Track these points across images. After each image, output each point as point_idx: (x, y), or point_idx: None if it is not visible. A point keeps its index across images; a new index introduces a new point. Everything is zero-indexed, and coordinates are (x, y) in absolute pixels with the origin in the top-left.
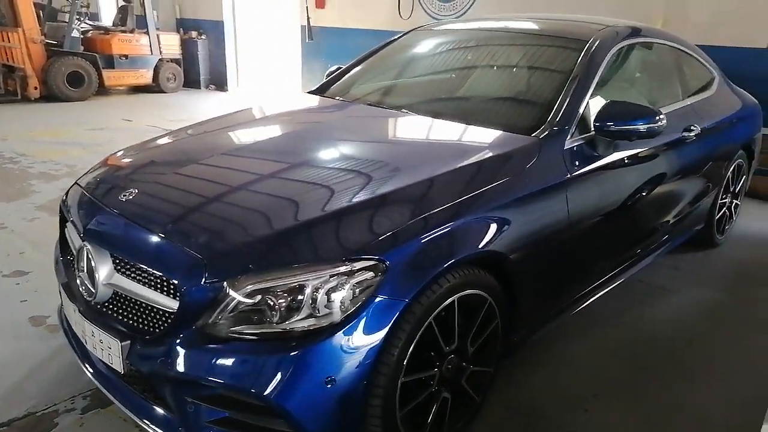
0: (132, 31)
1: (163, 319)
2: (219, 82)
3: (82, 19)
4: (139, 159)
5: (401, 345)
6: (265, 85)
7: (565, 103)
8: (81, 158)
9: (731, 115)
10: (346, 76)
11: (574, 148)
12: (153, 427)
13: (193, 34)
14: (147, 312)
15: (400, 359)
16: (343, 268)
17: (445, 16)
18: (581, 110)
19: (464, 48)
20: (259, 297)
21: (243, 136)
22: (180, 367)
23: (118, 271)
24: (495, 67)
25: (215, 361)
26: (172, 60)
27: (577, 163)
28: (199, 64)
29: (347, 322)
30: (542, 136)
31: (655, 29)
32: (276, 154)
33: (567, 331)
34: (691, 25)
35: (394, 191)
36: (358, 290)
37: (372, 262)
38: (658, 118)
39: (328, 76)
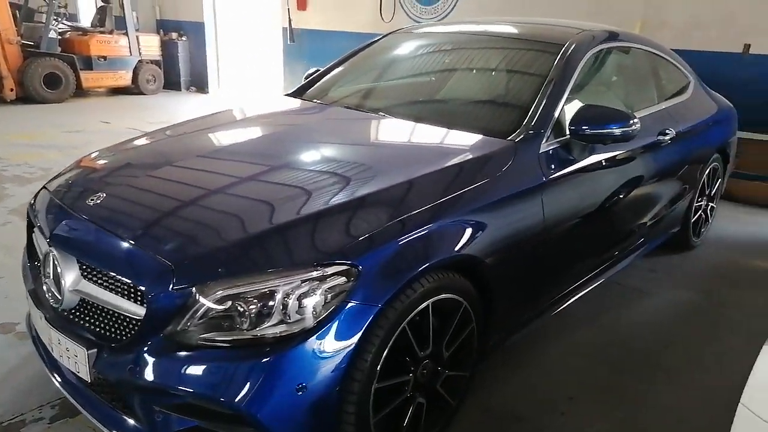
0: (111, 32)
1: (131, 326)
2: (200, 84)
3: (59, 19)
4: (111, 162)
5: (374, 350)
6: (247, 88)
7: (541, 107)
8: (57, 161)
9: (707, 118)
10: (325, 78)
11: (550, 152)
12: None
13: (174, 35)
14: (114, 319)
15: (374, 365)
16: (315, 273)
17: (427, 19)
18: (557, 114)
19: (442, 51)
20: (229, 303)
21: (218, 139)
22: (148, 375)
23: (84, 277)
24: (472, 71)
25: (184, 370)
26: (151, 61)
27: (552, 166)
28: (180, 66)
29: (319, 328)
30: (518, 139)
31: (632, 34)
32: (251, 157)
33: (543, 334)
34: (668, 29)
35: (368, 195)
36: (330, 296)
37: (344, 267)
38: (632, 122)
39: (306, 78)
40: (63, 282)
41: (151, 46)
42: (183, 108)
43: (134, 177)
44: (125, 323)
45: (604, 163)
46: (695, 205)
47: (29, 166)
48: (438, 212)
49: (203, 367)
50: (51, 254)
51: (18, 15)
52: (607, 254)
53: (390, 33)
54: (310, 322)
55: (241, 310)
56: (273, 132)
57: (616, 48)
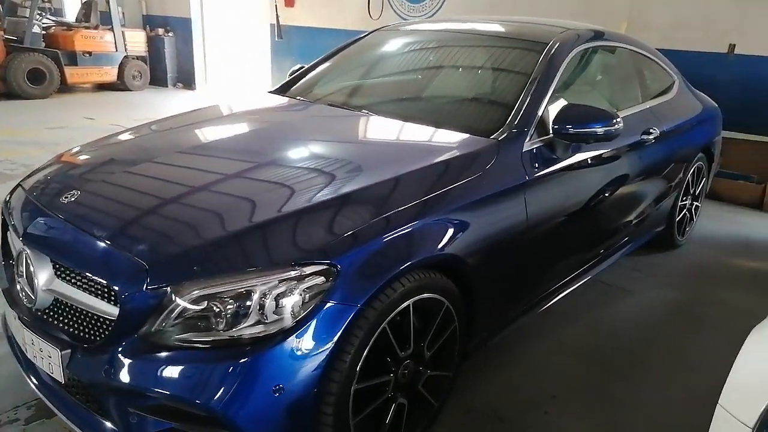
0: (96, 28)
1: (105, 327)
2: (186, 80)
3: (43, 14)
4: (88, 158)
5: (354, 351)
6: (234, 84)
7: (524, 106)
8: (39, 158)
9: (691, 118)
10: (308, 75)
11: (533, 151)
12: None
13: (160, 31)
14: (88, 319)
15: (353, 366)
16: (293, 273)
17: (415, 17)
18: (540, 113)
19: (426, 49)
20: (205, 303)
21: (199, 136)
22: (122, 377)
23: (58, 276)
24: (456, 69)
25: (159, 371)
26: (137, 57)
27: (535, 165)
28: (166, 62)
29: (296, 328)
30: (501, 138)
31: (617, 33)
32: (231, 154)
33: (527, 332)
34: (653, 29)
35: (347, 194)
36: (307, 296)
37: (323, 267)
38: (615, 121)
39: (290, 75)
40: (36, 281)
41: (137, 41)
42: (169, 104)
43: (111, 174)
44: (99, 324)
45: (587, 162)
46: (680, 204)
47: (11, 163)
48: (418, 211)
49: (179, 368)
50: (24, 253)
51: (1, 9)
52: (591, 253)
53: (374, 30)
54: (287, 322)
55: (217, 310)
56: (255, 129)
57: (600, 47)
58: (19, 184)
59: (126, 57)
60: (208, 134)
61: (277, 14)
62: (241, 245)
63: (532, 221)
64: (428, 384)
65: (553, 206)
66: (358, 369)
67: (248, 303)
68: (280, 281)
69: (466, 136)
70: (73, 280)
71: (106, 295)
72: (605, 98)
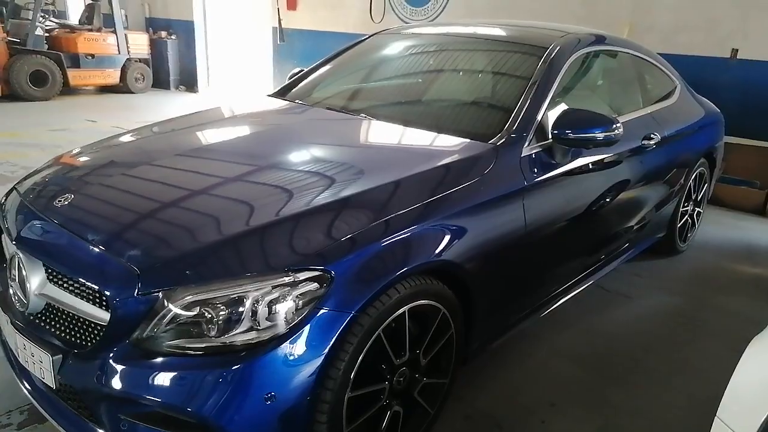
0: (99, 30)
1: (96, 332)
2: (189, 83)
3: (46, 16)
4: (85, 161)
5: (348, 358)
6: (236, 87)
7: (523, 110)
8: (39, 160)
9: (693, 123)
10: (308, 79)
11: (532, 156)
12: None
13: (163, 33)
14: (80, 325)
15: (347, 373)
16: (286, 279)
17: (417, 21)
18: (539, 117)
19: (426, 53)
20: (198, 309)
21: (197, 139)
22: (113, 383)
23: (50, 280)
24: (455, 73)
25: (151, 378)
26: (140, 60)
27: (534, 170)
28: (169, 65)
29: (289, 335)
30: (499, 143)
31: (618, 38)
32: (228, 158)
33: (526, 338)
34: (656, 33)
35: (343, 199)
36: (301, 302)
37: (316, 273)
38: (615, 126)
39: (290, 78)
40: (28, 285)
41: (139, 44)
42: (171, 107)
43: (107, 177)
44: (91, 329)
45: (587, 168)
46: (681, 210)
47: (11, 165)
48: (414, 217)
49: (170, 375)
50: (16, 257)
51: (4, 11)
52: (591, 259)
53: (374, 34)
54: (280, 329)
55: (209, 316)
56: (253, 132)
57: (601, 51)
58: (14, 187)
59: (129, 59)
60: (206, 138)
61: (279, 17)
62: (234, 251)
63: (531, 227)
64: (424, 391)
65: (551, 212)
66: (352, 376)
67: (241, 309)
68: (273, 287)
69: (464, 140)
70: (65, 285)
71: (97, 300)
72: (606, 103)
